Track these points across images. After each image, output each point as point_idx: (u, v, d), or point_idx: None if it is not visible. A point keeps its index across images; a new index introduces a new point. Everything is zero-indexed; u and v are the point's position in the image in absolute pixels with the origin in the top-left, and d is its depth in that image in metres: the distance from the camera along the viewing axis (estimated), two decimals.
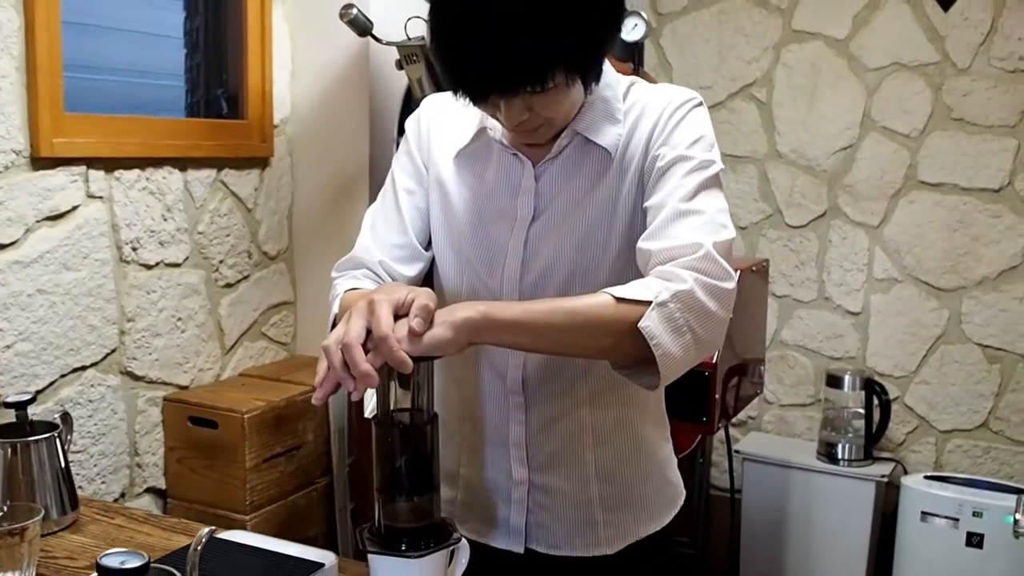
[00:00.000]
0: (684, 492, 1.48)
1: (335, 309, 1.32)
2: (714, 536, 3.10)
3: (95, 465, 2.17)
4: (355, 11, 2.24)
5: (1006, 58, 3.06)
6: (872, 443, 3.14)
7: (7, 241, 1.93)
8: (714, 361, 2.30)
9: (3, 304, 1.93)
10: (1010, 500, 2.68)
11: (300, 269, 2.74)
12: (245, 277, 2.57)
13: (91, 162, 2.10)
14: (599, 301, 1.12)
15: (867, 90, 3.27)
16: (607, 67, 1.27)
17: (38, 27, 1.94)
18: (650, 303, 1.10)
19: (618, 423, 1.37)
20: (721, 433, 2.93)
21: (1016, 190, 3.10)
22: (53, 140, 1.98)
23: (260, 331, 2.65)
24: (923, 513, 2.95)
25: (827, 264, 3.39)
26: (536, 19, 1.08)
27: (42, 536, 1.34)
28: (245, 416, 2.23)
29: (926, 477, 3.03)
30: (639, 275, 1.22)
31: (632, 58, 2.47)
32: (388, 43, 2.31)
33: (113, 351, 2.20)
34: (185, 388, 2.40)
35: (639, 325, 1.09)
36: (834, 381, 3.17)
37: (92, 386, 2.15)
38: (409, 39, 2.28)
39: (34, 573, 1.28)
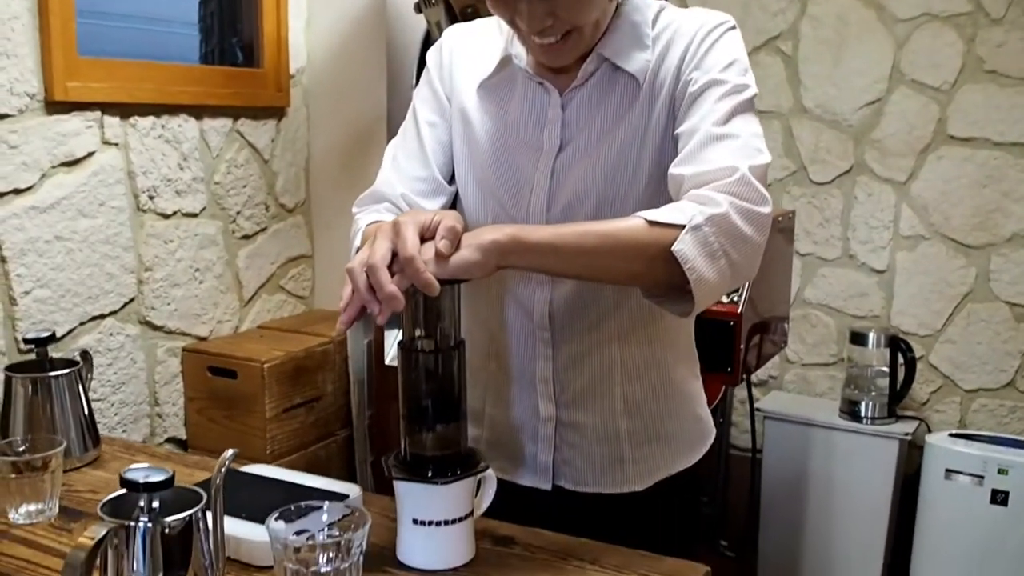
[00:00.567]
0: (714, 430, 1.45)
1: (356, 243, 1.28)
2: (734, 496, 3.07)
3: (116, 414, 2.16)
4: None
5: None
6: (896, 401, 3.09)
7: (23, 186, 1.91)
8: (739, 311, 2.26)
9: (20, 250, 1.91)
10: None
11: (317, 223, 2.71)
12: (263, 229, 2.54)
13: (106, 107, 2.07)
14: (631, 224, 1.09)
15: (896, 42, 3.19)
16: None
17: None
18: (684, 226, 1.06)
19: (648, 359, 1.33)
20: (742, 393, 2.89)
21: None
22: (67, 84, 1.96)
23: (278, 284, 2.63)
24: (947, 471, 2.90)
25: (852, 221, 3.33)
26: None
27: (64, 472, 1.32)
28: (264, 366, 2.22)
29: (951, 435, 2.98)
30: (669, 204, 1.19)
31: None
32: None
33: (132, 300, 2.18)
34: (204, 339, 2.39)
35: (672, 248, 1.05)
36: (858, 338, 3.12)
37: (111, 334, 2.13)
38: None
39: (57, 505, 1.27)
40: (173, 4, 2.49)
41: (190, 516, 0.89)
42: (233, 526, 1.08)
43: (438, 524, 1.08)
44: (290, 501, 1.02)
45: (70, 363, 1.47)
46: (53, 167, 1.96)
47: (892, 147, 3.23)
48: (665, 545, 1.20)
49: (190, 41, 2.51)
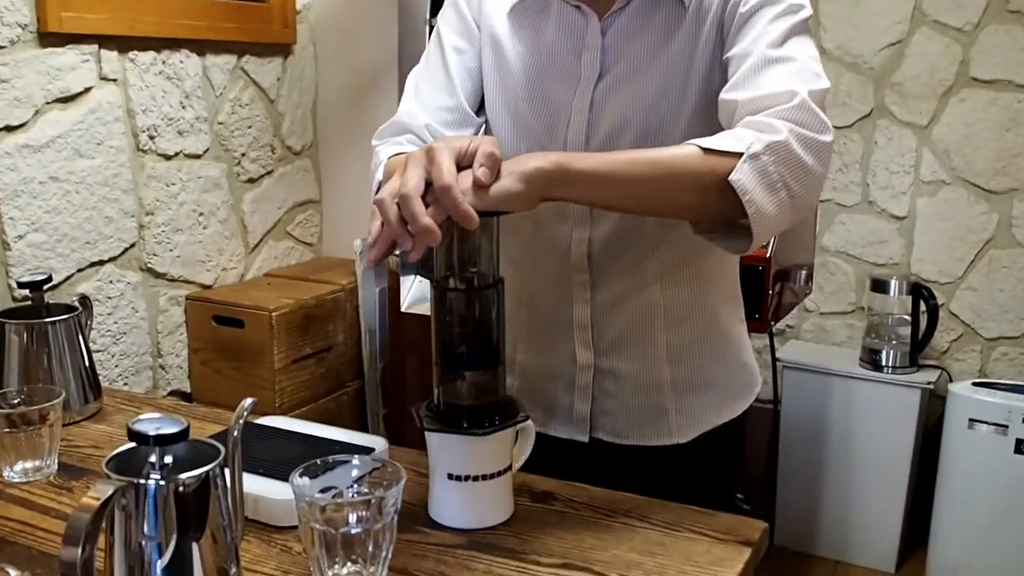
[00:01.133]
0: (760, 378, 1.36)
1: (378, 176, 1.19)
2: (750, 447, 3.00)
3: (116, 365, 2.07)
4: None
5: None
6: (918, 350, 3.02)
7: (15, 123, 1.80)
8: (769, 255, 2.17)
9: (14, 191, 1.81)
10: None
11: (325, 166, 2.61)
12: (268, 172, 2.44)
13: (103, 40, 1.96)
14: (685, 152, 0.99)
15: None
16: None
17: None
18: (741, 155, 0.97)
19: (691, 302, 1.25)
20: (757, 342, 2.80)
21: None
22: (62, 14, 1.84)
23: (285, 230, 2.53)
24: (971, 420, 2.84)
25: (872, 167, 3.24)
26: None
27: (63, 426, 1.23)
28: (273, 314, 2.12)
29: (974, 383, 2.91)
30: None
31: None
32: None
33: (132, 246, 2.08)
34: (208, 287, 2.29)
35: (730, 179, 0.96)
36: (879, 286, 3.04)
37: (111, 282, 2.04)
38: None
39: (56, 462, 1.18)
40: None
41: (207, 473, 0.79)
42: (251, 483, 1.00)
43: (475, 479, 1.00)
44: (311, 456, 0.93)
45: (68, 309, 1.38)
46: (47, 103, 1.85)
47: (913, 90, 3.13)
48: (706, 501, 1.12)
49: None
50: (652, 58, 1.15)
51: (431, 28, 2.30)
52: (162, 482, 0.77)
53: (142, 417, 0.79)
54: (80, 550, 0.72)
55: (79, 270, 1.95)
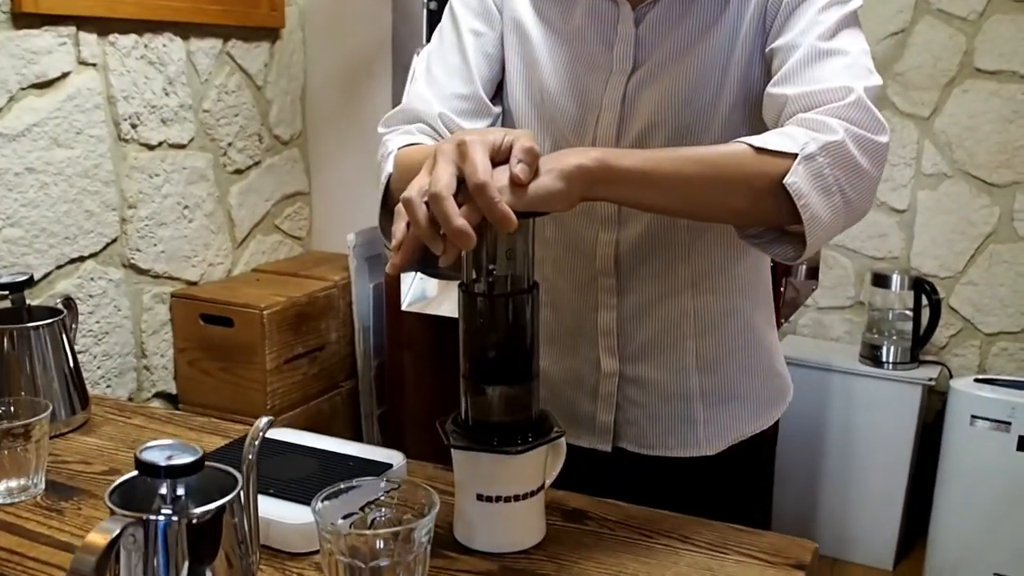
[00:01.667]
0: (791, 386, 1.29)
1: (388, 168, 1.09)
2: None
3: (99, 367, 1.97)
4: None
5: None
6: (919, 345, 2.97)
7: None
8: None
9: None
10: None
11: (315, 157, 2.51)
12: (256, 163, 2.34)
13: (81, 22, 1.85)
14: (735, 150, 0.92)
15: None
16: None
17: None
18: (796, 156, 0.89)
19: (724, 309, 1.18)
20: None
21: None
22: None
23: (273, 223, 2.43)
24: (972, 417, 2.79)
25: None
26: None
27: (50, 438, 1.14)
28: (264, 312, 2.03)
29: (976, 380, 2.86)
30: (758, 134, 1.02)
31: None
32: None
33: (114, 241, 1.98)
34: (194, 284, 2.19)
35: (784, 181, 0.89)
36: (880, 280, 2.99)
37: (92, 279, 1.93)
38: None
39: (43, 480, 1.08)
40: None
41: (223, 505, 0.71)
42: (261, 505, 0.91)
43: (507, 500, 0.92)
44: (324, 473, 0.85)
45: (52, 312, 1.28)
46: (22, 89, 1.74)
47: (915, 80, 3.08)
48: (735, 516, 1.04)
49: None
50: (689, 50, 1.07)
51: (428, 12, 2.22)
52: (174, 517, 0.68)
53: (151, 445, 0.70)
54: None
55: (58, 267, 1.85)
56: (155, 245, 2.07)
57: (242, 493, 0.76)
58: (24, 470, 1.06)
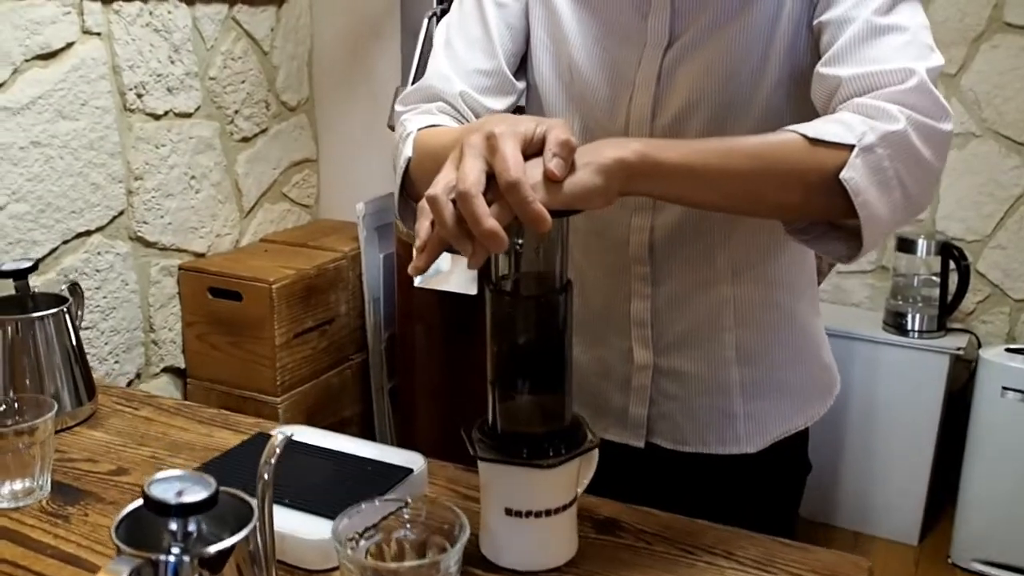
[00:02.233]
0: (838, 377, 1.23)
1: (407, 152, 1.02)
2: None
3: (106, 343, 1.92)
4: None
5: None
6: (947, 313, 2.89)
7: None
8: None
9: None
10: None
11: (323, 122, 2.44)
12: (263, 131, 2.27)
13: None
14: (787, 141, 0.84)
15: None
16: None
17: None
18: (852, 147, 0.82)
19: (765, 298, 1.11)
20: None
21: None
22: None
23: (281, 192, 2.37)
24: (1003, 388, 2.72)
25: None
26: None
27: (56, 432, 1.08)
28: (273, 286, 1.97)
29: (1007, 350, 2.79)
30: (803, 116, 0.94)
31: None
32: None
33: (121, 214, 1.92)
34: (202, 256, 2.14)
35: (841, 176, 0.82)
36: (906, 245, 2.90)
37: (99, 254, 1.88)
38: None
39: (49, 482, 1.03)
40: None
41: (237, 542, 0.65)
42: (276, 517, 0.85)
43: (538, 515, 0.86)
44: (340, 479, 0.79)
45: (57, 299, 1.22)
46: (26, 61, 1.67)
47: (941, 36, 2.93)
48: (769, 518, 0.99)
49: None
50: (730, 22, 0.99)
51: None
52: (185, 557, 0.63)
53: (159, 477, 0.64)
54: None
55: (64, 242, 1.80)
56: (162, 217, 2.01)
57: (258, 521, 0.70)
58: (29, 471, 1.01)
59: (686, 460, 1.14)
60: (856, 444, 2.97)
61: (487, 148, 0.77)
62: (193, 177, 2.07)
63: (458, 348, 2.03)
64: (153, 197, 1.98)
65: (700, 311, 1.09)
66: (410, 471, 0.99)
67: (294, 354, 2.04)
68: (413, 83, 2.04)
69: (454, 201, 0.76)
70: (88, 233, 1.84)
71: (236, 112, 2.16)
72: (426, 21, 2.03)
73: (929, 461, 2.86)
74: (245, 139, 2.21)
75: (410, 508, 0.79)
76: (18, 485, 1.01)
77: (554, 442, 0.85)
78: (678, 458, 1.14)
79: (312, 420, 2.13)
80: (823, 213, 0.87)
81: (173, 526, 0.63)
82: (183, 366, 2.11)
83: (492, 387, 0.87)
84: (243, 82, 2.17)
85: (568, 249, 0.85)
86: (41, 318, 1.18)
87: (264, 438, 1.06)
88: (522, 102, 1.15)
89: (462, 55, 1.09)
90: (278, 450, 0.75)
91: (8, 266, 1.22)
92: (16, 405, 1.04)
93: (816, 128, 0.83)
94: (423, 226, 0.79)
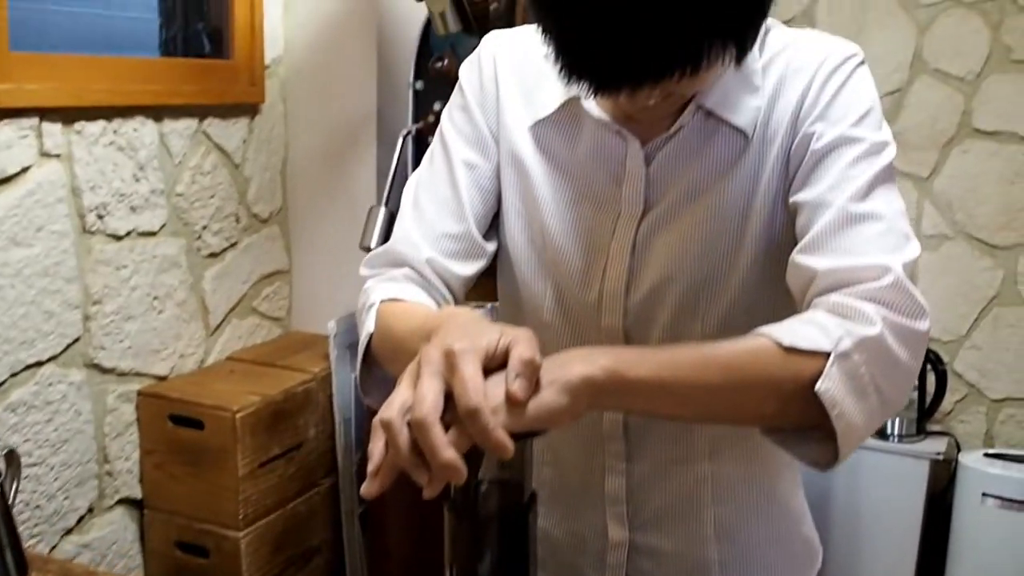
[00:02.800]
0: (821, 550, 1.17)
1: (369, 326, 0.97)
2: None
3: (56, 479, 1.83)
4: None
5: None
6: (926, 417, 2.87)
7: None
8: None
9: None
10: None
11: (296, 232, 2.39)
12: (233, 244, 2.21)
13: (45, 113, 1.73)
14: (760, 350, 0.80)
15: (918, 28, 2.94)
16: None
17: None
18: (828, 354, 0.78)
19: (745, 476, 1.06)
20: None
21: None
22: None
23: (250, 306, 2.30)
24: (983, 494, 2.68)
25: None
26: None
27: None
28: (237, 415, 1.90)
29: (986, 455, 2.76)
30: (778, 293, 0.93)
31: None
32: None
33: (76, 340, 1.84)
34: (164, 379, 2.06)
35: (817, 388, 0.77)
36: None
37: (51, 384, 1.80)
38: None
39: None
40: None
41: None
42: None
43: None
44: None
45: None
46: None
47: (914, 140, 2.99)
48: None
49: (149, 27, 2.18)
50: (706, 193, 0.95)
51: (414, 92, 2.11)
52: None
53: None
54: None
55: (13, 375, 1.72)
56: (121, 341, 1.94)
57: None
58: None
59: None
60: (839, 549, 2.90)
61: (446, 367, 0.72)
62: (156, 297, 2.01)
63: None
64: (112, 321, 1.91)
65: (677, 488, 1.04)
66: None
67: (259, 484, 1.96)
68: (387, 203, 2.03)
69: (410, 425, 0.71)
70: (39, 364, 1.77)
71: (204, 227, 2.11)
72: (401, 139, 2.00)
73: (912, 566, 2.80)
74: (213, 254, 2.15)
75: None
76: None
77: None
78: None
79: (278, 550, 2.04)
80: (799, 421, 0.82)
81: None
82: (140, 496, 2.02)
83: None
84: (212, 196, 2.12)
85: (532, 466, 0.80)
86: None
87: None
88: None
89: (430, 217, 1.05)
90: None
91: None
92: None
93: (791, 333, 0.79)
94: (376, 448, 0.73)
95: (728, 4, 0.75)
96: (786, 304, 0.92)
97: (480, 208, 1.05)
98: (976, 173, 2.92)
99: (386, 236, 1.85)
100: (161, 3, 2.19)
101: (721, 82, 0.92)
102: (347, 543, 2.20)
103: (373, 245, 1.94)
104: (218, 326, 2.20)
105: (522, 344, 0.73)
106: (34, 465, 1.78)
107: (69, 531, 1.87)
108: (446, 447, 0.68)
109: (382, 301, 0.98)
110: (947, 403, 3.02)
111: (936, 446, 2.81)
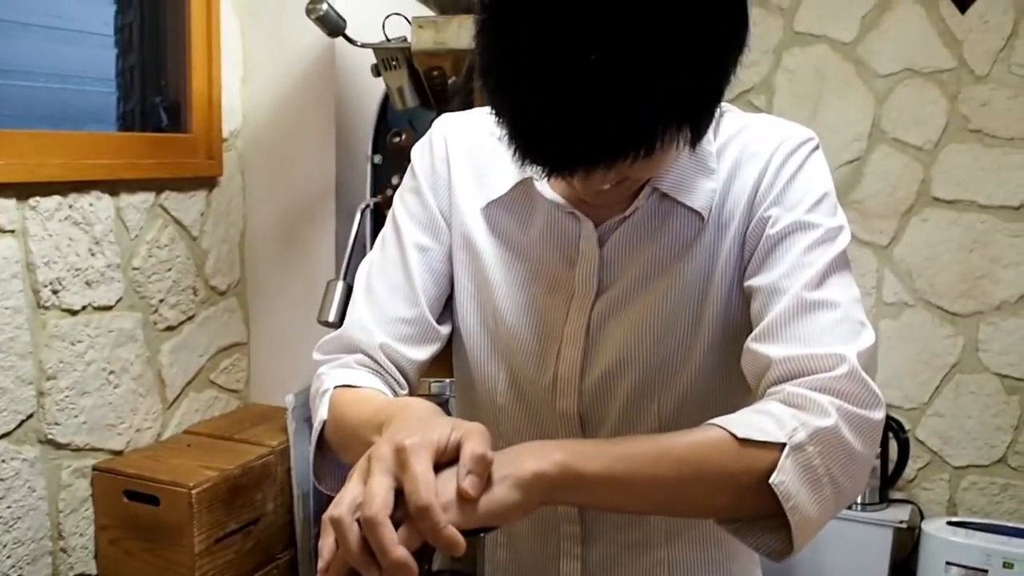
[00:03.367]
0: None
1: (323, 413, 0.97)
2: None
3: (8, 557, 1.79)
4: (324, 6, 1.87)
5: None
6: (888, 485, 2.88)
7: None
8: None
9: None
10: None
11: (254, 305, 2.38)
12: (190, 318, 2.20)
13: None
14: (715, 442, 0.80)
15: (876, 98, 3.01)
16: None
17: None
18: (782, 446, 0.78)
19: (703, 560, 1.06)
20: None
21: None
22: None
23: (208, 378, 2.28)
24: (947, 564, 2.68)
25: None
26: (645, 62, 0.72)
27: None
28: (193, 492, 1.87)
29: (949, 523, 2.76)
30: (733, 378, 0.94)
31: None
32: (364, 45, 1.95)
33: (30, 416, 1.81)
34: (119, 453, 2.03)
35: (771, 481, 0.78)
36: None
37: (3, 461, 1.77)
38: (388, 40, 1.92)
39: None
40: (87, 57, 2.15)
41: None
42: None
43: None
44: None
45: None
46: None
47: (873, 209, 3.04)
48: None
49: (106, 101, 2.18)
50: (661, 275, 0.96)
51: (373, 166, 2.12)
52: None
53: None
54: None
55: None
56: (76, 416, 1.91)
57: None
58: None
59: None
60: None
61: (397, 463, 0.71)
62: (112, 372, 1.98)
63: None
64: (67, 396, 1.88)
65: (633, 573, 1.04)
66: None
67: (215, 560, 1.92)
68: (345, 277, 2.03)
69: (360, 522, 0.70)
70: None
71: (161, 301, 2.10)
72: (359, 212, 2.01)
73: None
74: (170, 328, 2.13)
75: None
76: None
77: None
78: None
79: None
80: (753, 513, 0.82)
81: None
82: (95, 573, 1.98)
83: None
84: (169, 270, 2.11)
85: (484, 561, 0.79)
86: None
87: None
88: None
89: (383, 302, 1.04)
90: None
91: None
92: None
93: (744, 425, 0.79)
94: (326, 544, 0.73)
95: (682, 88, 0.75)
96: (743, 386, 0.92)
97: (433, 291, 1.05)
98: (935, 241, 2.97)
99: (343, 310, 1.85)
100: (118, 77, 2.19)
101: (676, 165, 0.94)
102: None
103: (331, 319, 1.93)
104: (175, 399, 2.18)
105: (474, 439, 0.73)
106: None
107: None
108: (396, 546, 0.68)
109: (335, 387, 0.98)
110: (910, 470, 3.03)
111: (899, 514, 2.83)
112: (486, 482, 0.72)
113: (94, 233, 1.92)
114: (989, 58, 2.84)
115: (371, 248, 1.11)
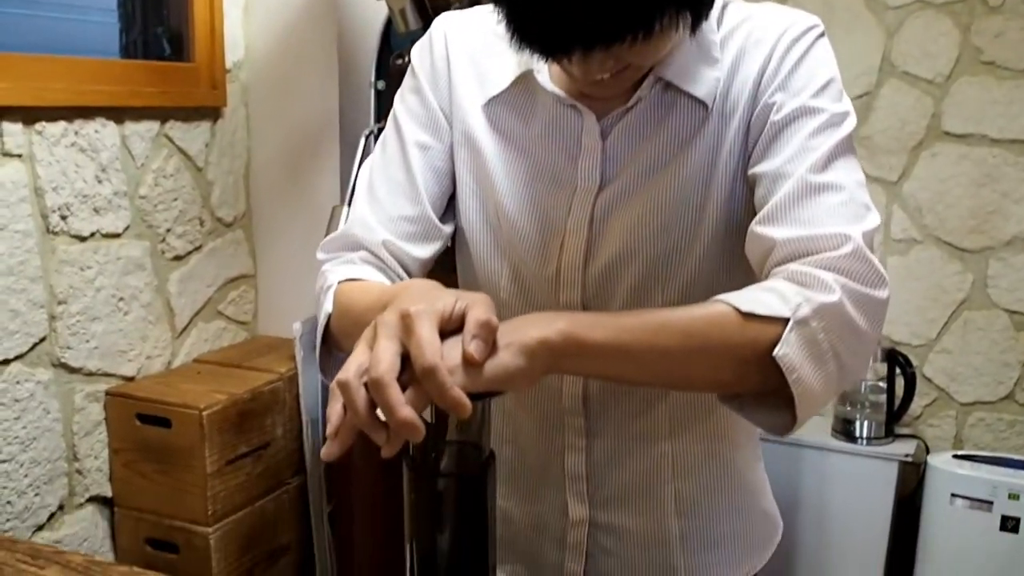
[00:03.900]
0: (781, 524, 1.18)
1: (327, 307, 0.97)
2: None
3: (26, 476, 1.82)
4: None
5: None
6: (894, 420, 2.88)
7: None
8: None
9: None
10: None
11: (260, 237, 2.39)
12: (197, 248, 2.21)
13: (5, 112, 1.73)
14: (718, 316, 0.80)
15: (887, 31, 2.97)
16: None
17: None
18: (786, 321, 0.78)
19: (706, 452, 1.07)
20: None
21: None
22: None
23: (216, 309, 2.30)
24: (952, 495, 2.70)
25: None
26: None
27: None
28: (204, 413, 1.89)
29: (954, 456, 2.77)
30: (738, 266, 0.94)
31: None
32: None
33: (42, 340, 1.83)
34: (131, 379, 2.05)
35: (775, 353, 0.78)
36: None
37: (18, 383, 1.79)
38: None
39: None
40: None
41: None
42: None
43: None
44: None
45: None
46: None
47: (882, 144, 3.02)
48: None
49: (108, 31, 2.17)
50: (664, 168, 0.96)
51: (376, 91, 2.12)
52: None
53: None
54: None
55: None
56: (87, 341, 1.93)
57: None
58: None
59: None
60: (807, 551, 2.91)
61: (402, 328, 0.72)
62: (121, 299, 2.00)
63: (396, 469, 1.96)
64: (78, 321, 1.90)
65: (638, 465, 1.05)
66: None
67: (227, 481, 1.95)
68: (350, 203, 2.03)
69: (367, 385, 0.71)
70: (6, 362, 1.76)
71: (168, 230, 2.11)
72: (363, 139, 2.00)
73: (880, 568, 2.81)
74: (178, 257, 2.15)
75: None
76: None
77: None
78: None
79: (247, 548, 2.03)
80: (756, 388, 0.83)
81: None
82: (110, 494, 2.01)
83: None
84: (175, 200, 2.12)
85: (490, 427, 0.80)
86: None
87: None
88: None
89: (385, 200, 1.05)
90: None
91: None
92: None
93: (749, 300, 0.80)
94: (335, 410, 0.74)
95: None
96: (747, 277, 0.93)
97: (435, 189, 1.05)
98: (945, 177, 2.94)
99: None
100: (120, 7, 2.18)
101: (679, 54, 0.93)
102: (316, 542, 2.20)
103: None
104: (184, 329, 2.19)
105: (478, 307, 0.73)
106: (4, 462, 1.77)
107: (40, 527, 1.87)
108: (402, 405, 0.69)
109: (339, 282, 0.99)
110: (916, 407, 3.03)
111: (905, 448, 2.83)
112: (491, 348, 0.73)
113: (100, 160, 1.93)
114: None
115: (367, 159, 1.12)
